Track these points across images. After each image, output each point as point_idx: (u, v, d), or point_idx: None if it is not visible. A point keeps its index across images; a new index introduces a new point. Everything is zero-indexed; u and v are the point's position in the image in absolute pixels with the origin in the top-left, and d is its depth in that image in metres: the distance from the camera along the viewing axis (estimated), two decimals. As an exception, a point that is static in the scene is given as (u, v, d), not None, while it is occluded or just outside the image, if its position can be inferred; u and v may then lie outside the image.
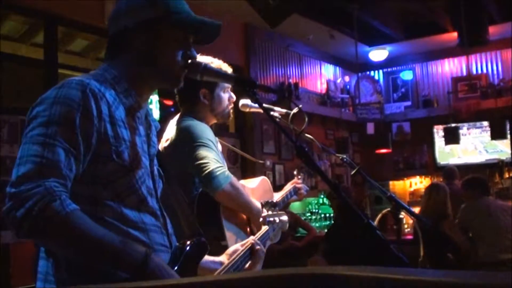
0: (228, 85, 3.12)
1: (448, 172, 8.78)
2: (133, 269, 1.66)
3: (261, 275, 0.90)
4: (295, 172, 3.72)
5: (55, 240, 1.65)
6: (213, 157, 2.89)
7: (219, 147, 3.23)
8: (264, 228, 2.71)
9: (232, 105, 3.26)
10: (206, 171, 2.83)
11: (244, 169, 8.49)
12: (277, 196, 3.49)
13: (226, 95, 3.22)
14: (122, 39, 1.96)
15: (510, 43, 9.71)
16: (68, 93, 1.75)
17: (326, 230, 7.82)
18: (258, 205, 3.02)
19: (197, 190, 2.96)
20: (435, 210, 6.49)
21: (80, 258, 1.70)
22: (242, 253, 2.35)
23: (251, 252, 2.40)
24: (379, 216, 5.38)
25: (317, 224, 8.88)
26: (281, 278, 0.89)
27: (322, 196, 9.60)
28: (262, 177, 3.52)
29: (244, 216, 3.11)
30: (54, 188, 1.60)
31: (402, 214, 3.73)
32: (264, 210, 2.82)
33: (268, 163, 8.82)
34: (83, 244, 1.65)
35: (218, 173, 2.83)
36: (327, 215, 9.37)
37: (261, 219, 2.80)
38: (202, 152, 2.90)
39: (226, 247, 2.49)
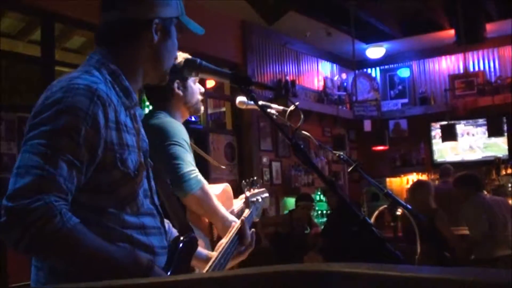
0: (197, 77, 3.04)
1: (443, 170, 8.89)
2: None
3: (257, 273, 0.90)
4: (243, 184, 3.68)
5: (56, 256, 1.61)
6: (187, 159, 2.79)
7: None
8: (247, 210, 2.78)
9: (202, 97, 3.20)
10: (179, 173, 2.73)
11: (241, 166, 8.50)
12: (236, 205, 3.46)
13: (197, 86, 3.17)
14: (140, 27, 1.89)
15: (507, 40, 9.71)
16: (75, 101, 1.66)
17: (322, 227, 7.84)
18: (224, 212, 3.00)
19: None
20: (418, 207, 6.46)
21: (81, 271, 1.65)
22: (230, 239, 2.37)
23: (239, 236, 2.43)
24: (376, 213, 5.39)
25: (315, 222, 8.89)
26: (277, 275, 0.89)
27: (318, 193, 9.62)
28: (225, 184, 3.48)
29: (207, 220, 3.08)
30: (54, 203, 1.54)
31: (399, 211, 3.74)
32: (246, 190, 2.88)
33: (265, 160, 8.84)
34: (84, 259, 1.61)
35: (191, 176, 2.74)
36: (324, 212, 9.39)
37: (243, 200, 2.87)
38: (176, 152, 2.79)
39: None
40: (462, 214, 6.39)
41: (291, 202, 8.66)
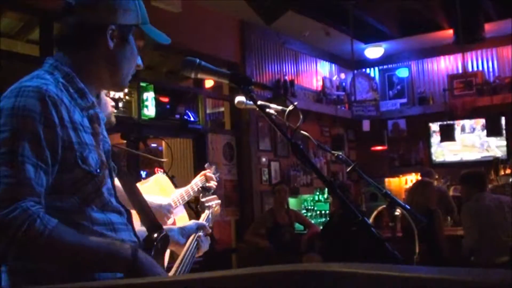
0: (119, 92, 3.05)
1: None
2: (126, 268, 1.68)
3: (256, 272, 0.90)
4: (206, 165, 3.76)
5: (45, 259, 1.65)
6: None
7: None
8: (206, 213, 2.92)
9: (114, 110, 3.18)
10: None
11: (240, 166, 8.50)
12: (181, 191, 3.51)
13: (109, 99, 3.16)
14: (96, 33, 1.90)
15: (506, 40, 9.72)
16: (27, 103, 1.68)
17: (321, 227, 7.84)
18: (151, 199, 3.07)
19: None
20: (417, 206, 6.44)
21: (72, 268, 1.69)
22: (194, 239, 2.48)
23: (197, 243, 2.52)
24: (375, 213, 5.38)
25: (312, 221, 8.89)
26: (276, 275, 0.89)
27: (317, 193, 9.62)
28: (157, 174, 3.57)
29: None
30: (31, 208, 1.56)
31: (398, 211, 3.74)
32: (201, 196, 3.13)
33: (263, 160, 8.84)
34: (72, 256, 1.65)
35: None
36: (323, 212, 9.38)
37: (199, 205, 3.03)
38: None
39: None
40: (463, 217, 6.37)
41: (290, 202, 8.66)
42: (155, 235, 2.02)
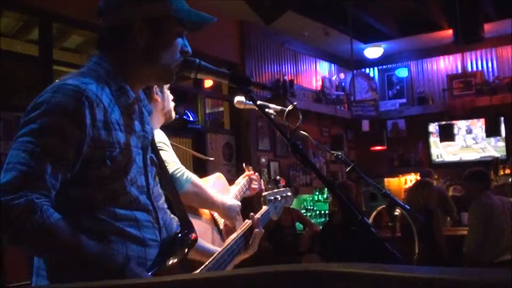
0: (167, 84, 3.06)
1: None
2: (111, 277, 1.70)
3: (255, 272, 0.90)
4: (244, 166, 3.76)
5: (36, 250, 1.73)
6: (170, 160, 2.87)
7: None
8: (264, 208, 2.84)
9: (174, 104, 3.20)
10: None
11: (239, 166, 8.49)
12: (234, 190, 3.51)
13: (168, 92, 3.18)
14: (123, 31, 1.92)
15: (505, 40, 9.72)
16: (62, 101, 1.73)
17: (321, 227, 7.84)
18: (222, 198, 3.09)
19: None
20: (416, 206, 6.44)
21: (59, 264, 1.75)
22: (239, 236, 2.45)
23: (249, 233, 2.51)
24: (374, 213, 5.39)
25: (311, 221, 8.88)
26: (275, 275, 0.89)
27: (317, 193, 9.61)
28: (217, 173, 3.55)
29: (206, 211, 3.14)
30: (36, 200, 1.62)
31: (397, 211, 3.75)
32: (265, 190, 3.03)
33: (263, 160, 8.83)
34: (61, 254, 1.71)
35: (178, 175, 2.85)
36: (322, 212, 9.38)
37: (261, 199, 2.93)
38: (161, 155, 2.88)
39: None
40: (471, 215, 6.35)
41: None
42: (179, 234, 2.03)
